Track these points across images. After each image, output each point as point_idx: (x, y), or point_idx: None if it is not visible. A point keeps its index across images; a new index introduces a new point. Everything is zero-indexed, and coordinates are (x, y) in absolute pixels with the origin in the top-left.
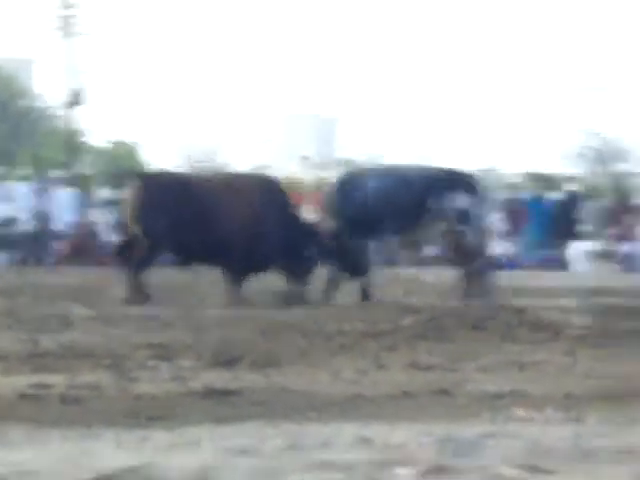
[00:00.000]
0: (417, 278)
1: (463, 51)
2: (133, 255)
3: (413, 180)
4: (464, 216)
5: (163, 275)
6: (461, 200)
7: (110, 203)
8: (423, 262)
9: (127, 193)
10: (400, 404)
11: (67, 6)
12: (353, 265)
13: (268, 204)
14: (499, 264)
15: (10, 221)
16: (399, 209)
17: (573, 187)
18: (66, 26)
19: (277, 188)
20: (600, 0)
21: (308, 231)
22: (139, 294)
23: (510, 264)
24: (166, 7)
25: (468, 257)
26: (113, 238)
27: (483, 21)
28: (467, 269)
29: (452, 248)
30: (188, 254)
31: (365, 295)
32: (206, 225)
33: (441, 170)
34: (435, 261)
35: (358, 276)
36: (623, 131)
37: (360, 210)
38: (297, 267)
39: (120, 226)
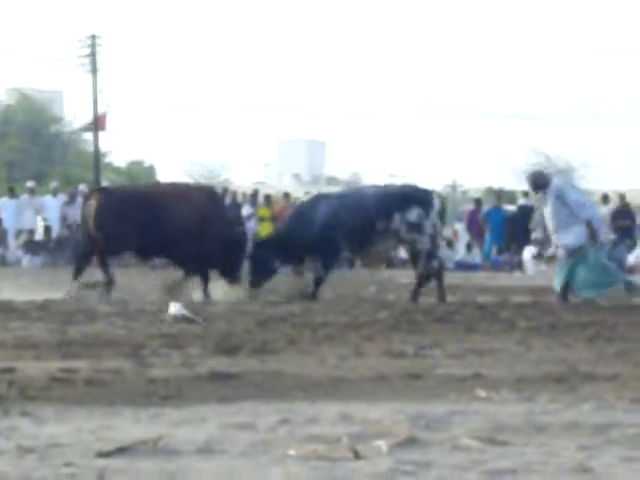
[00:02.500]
0: (391, 278)
1: (433, 77)
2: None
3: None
4: (417, 226)
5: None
6: (413, 212)
7: None
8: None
9: (90, 205)
10: (377, 386)
11: (92, 44)
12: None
13: (206, 210)
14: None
15: (47, 229)
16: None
17: (526, 200)
18: (91, 61)
19: (214, 196)
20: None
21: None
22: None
23: (472, 266)
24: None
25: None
26: None
27: (448, 48)
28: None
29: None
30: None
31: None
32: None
33: (399, 187)
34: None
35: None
36: (568, 151)
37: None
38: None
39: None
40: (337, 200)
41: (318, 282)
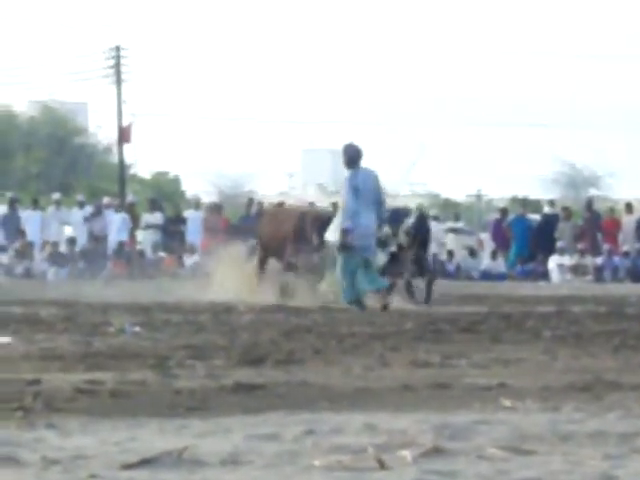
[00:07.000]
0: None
1: (448, 86)
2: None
3: None
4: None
5: None
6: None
7: (152, 226)
8: None
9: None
10: (402, 396)
11: (116, 55)
12: None
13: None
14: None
15: (72, 241)
16: None
17: (551, 209)
18: (116, 72)
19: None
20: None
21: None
22: None
23: (498, 276)
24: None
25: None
26: (157, 255)
27: (461, 58)
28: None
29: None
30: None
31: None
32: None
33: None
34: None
35: None
36: (594, 160)
37: None
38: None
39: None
40: None
41: None
